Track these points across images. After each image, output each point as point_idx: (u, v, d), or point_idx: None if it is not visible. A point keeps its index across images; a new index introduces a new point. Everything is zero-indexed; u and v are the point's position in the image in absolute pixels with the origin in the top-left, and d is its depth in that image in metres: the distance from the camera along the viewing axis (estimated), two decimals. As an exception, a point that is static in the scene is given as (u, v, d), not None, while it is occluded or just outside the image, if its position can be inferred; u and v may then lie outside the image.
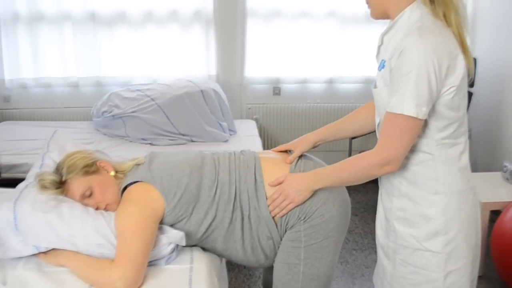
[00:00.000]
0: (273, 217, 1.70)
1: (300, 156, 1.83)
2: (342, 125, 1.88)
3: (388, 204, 1.62)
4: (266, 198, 1.70)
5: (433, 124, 1.46)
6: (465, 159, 1.56)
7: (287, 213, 1.68)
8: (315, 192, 1.68)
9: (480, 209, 1.61)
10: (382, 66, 1.49)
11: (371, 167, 1.49)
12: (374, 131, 1.70)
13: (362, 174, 1.54)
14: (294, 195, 1.65)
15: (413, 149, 1.50)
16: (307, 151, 1.86)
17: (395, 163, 1.45)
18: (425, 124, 1.46)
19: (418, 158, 1.51)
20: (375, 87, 1.54)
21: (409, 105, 1.37)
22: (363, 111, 1.85)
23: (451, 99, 1.43)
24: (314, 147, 1.87)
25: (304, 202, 1.67)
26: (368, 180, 1.57)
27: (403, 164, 1.52)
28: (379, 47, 1.55)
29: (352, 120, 1.87)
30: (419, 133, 1.45)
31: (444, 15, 1.42)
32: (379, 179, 1.69)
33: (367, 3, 1.52)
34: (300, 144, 1.85)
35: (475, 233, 1.58)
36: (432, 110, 1.43)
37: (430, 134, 1.48)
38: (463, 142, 1.54)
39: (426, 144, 1.49)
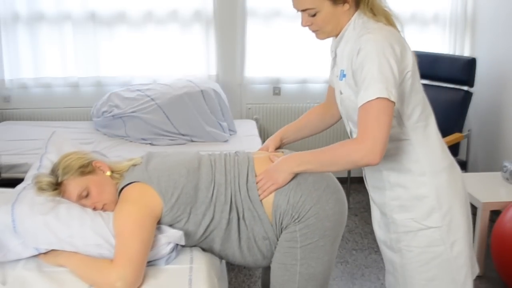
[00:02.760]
0: (268, 217, 1.70)
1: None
2: (298, 125, 2.01)
3: (381, 199, 1.71)
4: (260, 198, 1.70)
5: (402, 113, 1.58)
6: (439, 137, 1.68)
7: (268, 194, 1.69)
8: (308, 191, 1.68)
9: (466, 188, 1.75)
10: (343, 75, 1.62)
11: (354, 155, 1.50)
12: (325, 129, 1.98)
13: (344, 161, 1.57)
14: (276, 176, 1.68)
15: (392, 139, 1.59)
16: (279, 147, 1.96)
17: (378, 151, 1.46)
18: (395, 114, 1.56)
19: (397, 147, 1.62)
20: (341, 93, 1.65)
21: (380, 89, 1.45)
22: (313, 113, 1.99)
23: (410, 84, 1.56)
24: (282, 143, 1.97)
25: (286, 183, 1.68)
26: (350, 169, 1.66)
27: (386, 156, 1.59)
28: (333, 59, 1.68)
29: (305, 121, 2.00)
30: (392, 119, 1.51)
31: (386, 19, 1.57)
32: (365, 182, 1.80)
33: (312, 29, 1.63)
34: (270, 142, 1.96)
35: (466, 204, 1.70)
36: (398, 98, 1.52)
37: (401, 122, 1.60)
38: (432, 122, 1.66)
39: (401, 132, 1.61)
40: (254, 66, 4.10)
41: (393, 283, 1.80)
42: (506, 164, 3.10)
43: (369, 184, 1.78)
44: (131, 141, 3.51)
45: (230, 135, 3.66)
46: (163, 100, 3.54)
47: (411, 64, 1.54)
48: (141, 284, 1.56)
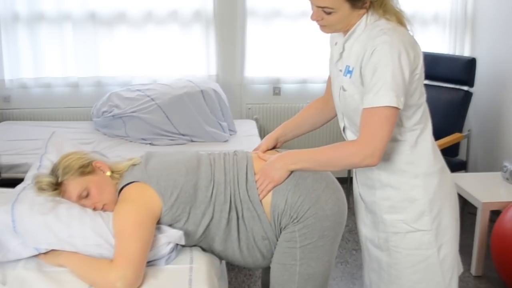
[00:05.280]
0: (267, 216, 1.70)
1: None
2: (297, 121, 1.98)
3: (371, 198, 1.72)
4: (260, 198, 1.70)
5: (402, 114, 1.58)
6: (433, 140, 1.68)
7: (267, 193, 1.69)
8: (307, 192, 1.68)
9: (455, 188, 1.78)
10: (348, 71, 1.60)
11: (354, 157, 1.54)
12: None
13: (342, 163, 1.60)
14: (272, 174, 1.67)
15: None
16: (271, 148, 1.93)
17: (377, 156, 1.50)
18: None
19: (393, 147, 1.62)
20: (344, 90, 1.62)
21: (391, 97, 1.46)
22: (313, 108, 1.97)
23: (415, 87, 1.56)
24: (277, 143, 1.94)
25: (283, 180, 1.67)
26: (346, 169, 1.64)
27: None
28: (341, 54, 1.64)
29: (305, 116, 1.97)
30: (395, 125, 1.53)
31: (398, 19, 1.57)
32: (354, 179, 1.81)
33: (321, 23, 1.59)
34: (265, 141, 1.94)
35: (455, 206, 1.72)
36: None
37: (400, 123, 1.60)
38: (429, 125, 1.67)
39: (399, 133, 1.60)
40: (254, 66, 4.09)
41: (377, 281, 1.81)
42: (506, 164, 3.10)
43: (359, 181, 1.78)
44: (131, 141, 3.51)
45: (230, 135, 3.66)
46: (163, 100, 3.54)
47: (420, 67, 1.55)
48: (141, 284, 1.56)
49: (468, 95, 3.69)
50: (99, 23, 3.90)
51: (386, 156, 1.62)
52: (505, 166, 3.09)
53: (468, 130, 3.76)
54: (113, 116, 3.57)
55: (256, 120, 4.15)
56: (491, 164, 3.83)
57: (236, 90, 4.14)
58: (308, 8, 4.40)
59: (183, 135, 3.50)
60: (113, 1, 3.87)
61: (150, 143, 3.46)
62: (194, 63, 4.04)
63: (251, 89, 4.18)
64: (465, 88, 3.72)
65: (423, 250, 1.65)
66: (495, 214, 2.95)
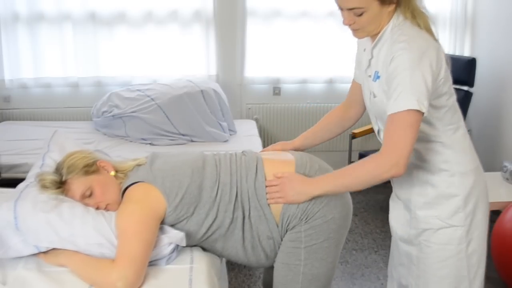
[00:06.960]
0: (275, 217, 1.70)
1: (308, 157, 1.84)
2: (315, 130, 1.99)
3: (407, 195, 1.73)
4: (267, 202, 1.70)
5: (433, 116, 1.59)
6: (468, 139, 1.72)
7: (273, 203, 1.69)
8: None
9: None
10: (376, 77, 1.60)
11: (378, 169, 1.51)
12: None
13: (368, 178, 1.56)
14: (289, 193, 1.66)
15: (424, 140, 1.62)
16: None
17: (402, 164, 1.47)
18: (426, 117, 1.55)
19: (429, 148, 1.63)
20: (374, 96, 1.63)
21: (410, 100, 1.45)
22: (332, 116, 1.99)
23: (441, 89, 1.56)
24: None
25: (296, 203, 1.67)
26: (372, 185, 1.60)
27: (417, 156, 1.64)
28: (369, 60, 1.65)
29: (323, 124, 2.00)
30: (419, 129, 1.51)
31: (423, 22, 1.56)
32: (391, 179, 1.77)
33: (353, 27, 1.58)
34: (275, 146, 1.95)
35: (487, 206, 1.73)
36: (430, 104, 1.52)
37: (432, 124, 1.61)
38: (463, 125, 1.69)
39: (433, 135, 1.61)
40: (254, 66, 4.10)
41: (405, 275, 1.81)
42: (506, 164, 3.10)
43: (395, 180, 1.77)
44: (131, 141, 3.51)
45: (230, 135, 3.66)
46: (163, 100, 3.54)
47: (443, 72, 1.54)
48: (142, 284, 1.56)
49: (468, 95, 3.69)
50: (99, 23, 3.90)
51: (423, 157, 1.64)
52: (505, 166, 3.09)
53: (468, 130, 3.75)
54: (113, 116, 3.57)
55: (256, 120, 4.15)
56: (491, 164, 3.82)
57: (236, 90, 4.14)
58: (308, 8, 4.40)
59: (183, 135, 3.50)
60: (113, 1, 3.87)
61: (150, 143, 3.46)
62: (194, 63, 4.05)
63: (251, 89, 4.18)
64: (465, 88, 3.72)
65: (454, 245, 1.66)
66: (495, 214, 2.95)
